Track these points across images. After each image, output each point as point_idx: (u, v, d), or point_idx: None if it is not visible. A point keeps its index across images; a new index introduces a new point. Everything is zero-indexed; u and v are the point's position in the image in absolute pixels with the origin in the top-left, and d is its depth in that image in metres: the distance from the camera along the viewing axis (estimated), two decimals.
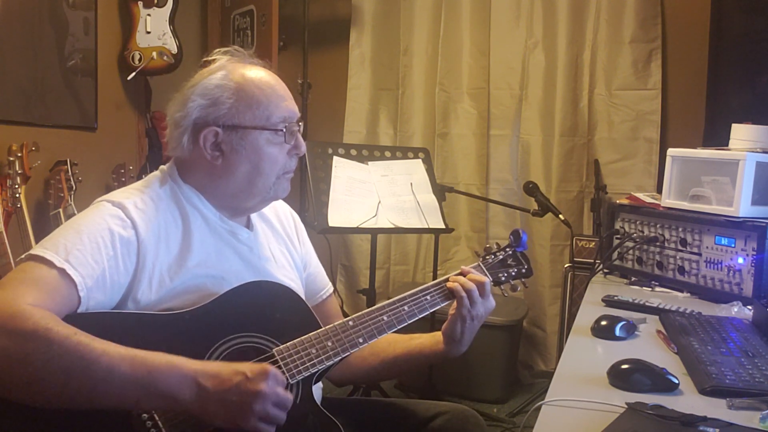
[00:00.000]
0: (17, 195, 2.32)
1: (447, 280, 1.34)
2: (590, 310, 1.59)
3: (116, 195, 1.17)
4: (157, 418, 1.01)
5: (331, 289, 1.50)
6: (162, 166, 1.28)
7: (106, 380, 0.94)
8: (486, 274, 1.39)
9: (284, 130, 1.23)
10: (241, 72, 1.23)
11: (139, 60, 3.03)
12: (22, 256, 1.05)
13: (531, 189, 2.50)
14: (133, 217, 1.13)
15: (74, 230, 1.08)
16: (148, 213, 1.15)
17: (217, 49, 1.28)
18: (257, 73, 1.24)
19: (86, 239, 1.06)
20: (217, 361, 1.04)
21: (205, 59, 1.27)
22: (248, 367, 1.00)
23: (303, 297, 1.28)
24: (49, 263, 1.02)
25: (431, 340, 1.37)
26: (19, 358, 0.91)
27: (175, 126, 1.22)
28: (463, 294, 1.29)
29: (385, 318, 1.24)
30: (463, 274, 1.34)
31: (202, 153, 1.20)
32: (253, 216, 1.34)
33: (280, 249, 1.37)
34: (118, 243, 1.09)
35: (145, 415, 1.00)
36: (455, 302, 1.31)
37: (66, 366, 0.92)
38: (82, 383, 0.93)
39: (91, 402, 0.95)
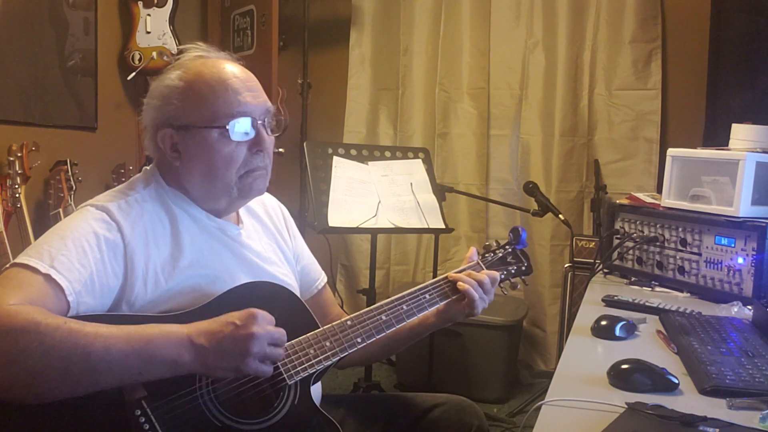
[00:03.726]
0: (17, 195, 2.32)
1: (445, 278, 1.34)
2: (590, 310, 1.59)
3: (100, 199, 1.16)
4: (150, 414, 1.01)
5: (325, 279, 1.50)
6: (145, 167, 1.28)
7: (105, 360, 0.94)
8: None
9: (230, 127, 1.16)
10: (196, 69, 1.19)
11: (139, 60, 3.03)
12: (7, 266, 1.04)
13: (531, 189, 2.50)
14: (118, 220, 1.11)
15: (58, 236, 1.07)
16: (133, 215, 1.14)
17: (182, 46, 1.25)
18: (212, 69, 1.19)
19: (71, 244, 1.05)
20: (206, 320, 1.04)
21: (168, 59, 1.27)
22: (236, 315, 1.03)
23: (298, 293, 1.27)
24: (34, 269, 1.00)
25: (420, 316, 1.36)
26: (14, 356, 0.91)
27: (143, 129, 1.23)
28: (475, 295, 1.30)
29: (383, 317, 1.24)
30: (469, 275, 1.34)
31: (165, 155, 1.20)
32: (242, 212, 1.33)
33: (270, 244, 1.36)
34: (104, 246, 1.08)
35: (138, 410, 1.00)
36: (457, 297, 1.32)
37: (63, 354, 0.92)
38: (82, 368, 0.93)
39: (95, 384, 0.95)
